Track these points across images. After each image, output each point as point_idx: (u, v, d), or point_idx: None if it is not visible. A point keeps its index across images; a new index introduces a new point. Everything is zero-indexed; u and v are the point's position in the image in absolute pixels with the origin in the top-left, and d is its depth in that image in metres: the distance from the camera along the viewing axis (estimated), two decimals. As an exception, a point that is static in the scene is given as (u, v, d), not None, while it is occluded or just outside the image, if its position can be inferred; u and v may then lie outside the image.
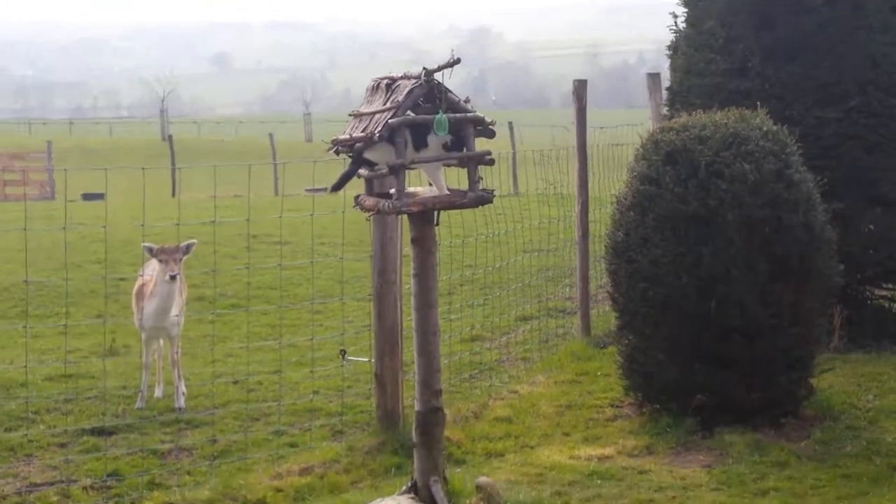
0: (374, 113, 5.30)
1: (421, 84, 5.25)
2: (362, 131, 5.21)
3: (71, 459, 7.13)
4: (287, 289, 13.27)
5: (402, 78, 5.41)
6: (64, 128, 79.23)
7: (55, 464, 7.10)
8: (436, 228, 5.51)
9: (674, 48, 10.05)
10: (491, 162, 5.37)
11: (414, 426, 5.46)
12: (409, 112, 5.18)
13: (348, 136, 5.36)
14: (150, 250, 8.20)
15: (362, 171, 5.48)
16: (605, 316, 10.68)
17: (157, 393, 8.73)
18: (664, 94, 10.77)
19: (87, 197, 27.55)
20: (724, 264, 6.83)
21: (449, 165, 5.49)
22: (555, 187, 11.54)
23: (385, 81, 5.49)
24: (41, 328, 11.38)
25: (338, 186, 5.44)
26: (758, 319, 6.88)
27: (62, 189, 32.20)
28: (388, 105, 5.23)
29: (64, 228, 7.83)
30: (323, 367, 9.02)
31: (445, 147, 5.29)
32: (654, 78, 12.06)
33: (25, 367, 8.13)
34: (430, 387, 5.36)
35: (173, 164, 32.93)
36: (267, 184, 31.79)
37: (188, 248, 8.27)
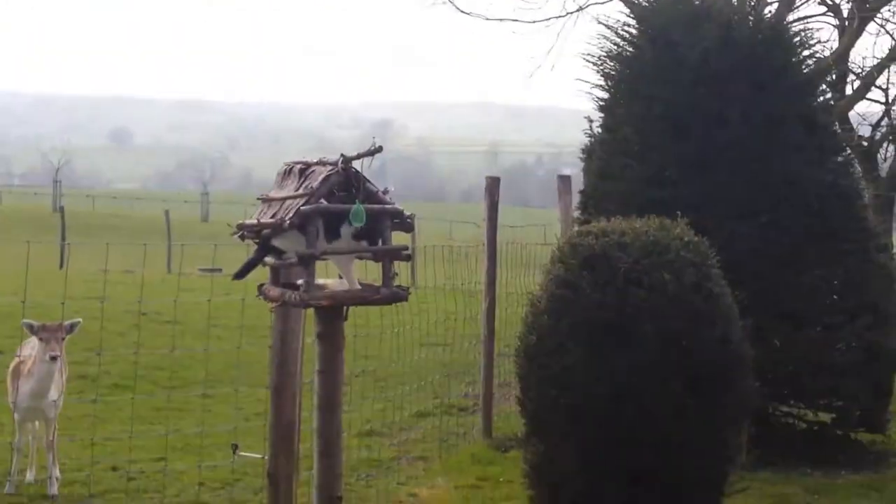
0: (285, 198, 5.02)
1: (338, 171, 4.98)
2: (271, 217, 4.93)
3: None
4: (177, 371, 12.81)
5: (317, 164, 5.14)
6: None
7: None
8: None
9: (588, 152, 10.01)
10: (408, 258, 5.11)
11: (312, 540, 5.11)
12: (322, 200, 4.92)
13: (255, 222, 5.07)
14: (31, 327, 7.78)
15: (268, 260, 5.19)
16: (506, 416, 10.46)
17: (29, 477, 8.27)
18: (574, 196, 10.71)
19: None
20: (638, 375, 6.63)
21: (362, 258, 5.23)
22: (462, 283, 11.34)
23: (299, 166, 5.22)
24: None
25: (241, 274, 5.13)
26: (671, 435, 6.66)
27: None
28: (300, 191, 4.95)
29: None
30: (211, 458, 8.61)
31: (358, 239, 5.03)
32: (564, 180, 11.98)
33: None
34: (331, 493, 5.02)
35: (63, 237, 32.17)
36: (160, 261, 31.13)
37: (72, 328, 7.87)
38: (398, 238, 5.11)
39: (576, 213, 10.78)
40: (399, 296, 5.04)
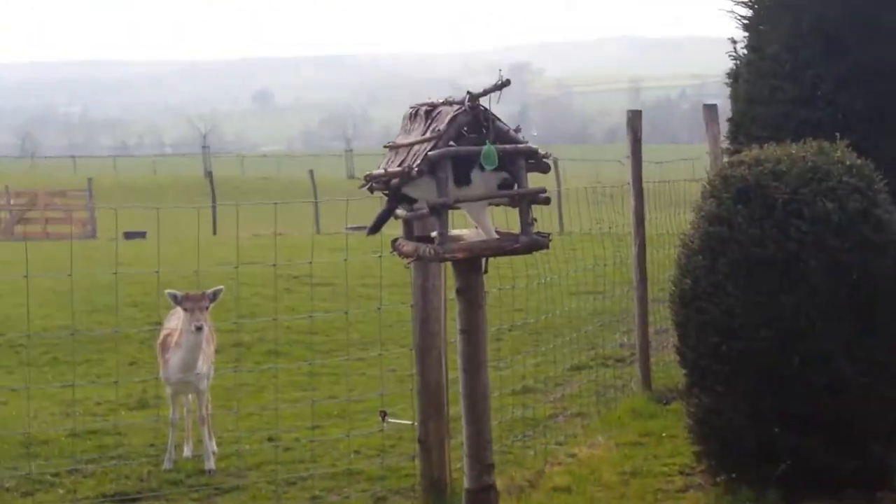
0: (412, 144, 4.65)
1: (465, 110, 4.58)
2: (399, 165, 4.57)
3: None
4: (329, 333, 12.66)
5: (443, 104, 4.75)
6: (108, 164, 79.55)
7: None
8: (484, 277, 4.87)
9: (733, 76, 9.35)
10: (547, 201, 4.69)
11: (463, 506, 4.80)
12: (451, 142, 4.55)
13: (383, 171, 4.73)
14: (175, 298, 7.61)
15: (400, 212, 4.86)
16: (666, 366, 9.98)
17: (186, 452, 8.15)
18: (722, 126, 10.12)
19: (129, 235, 27.24)
20: (807, 316, 6.11)
21: (497, 205, 4.85)
22: (601, 227, 10.87)
23: (424, 108, 4.83)
24: (71, 377, 10.86)
25: (374, 228, 4.78)
26: (847, 378, 6.12)
27: (104, 228, 31.99)
28: (427, 135, 4.58)
29: (115, 273, 7.25)
30: (365, 424, 8.40)
31: (493, 183, 4.66)
32: (710, 109, 11.35)
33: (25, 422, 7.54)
34: (481, 461, 4.68)
35: (214, 202, 32.59)
36: (308, 221, 31.30)
37: (215, 296, 7.68)
38: (536, 180, 4.72)
39: (724, 144, 10.20)
40: (539, 243, 4.64)
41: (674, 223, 11.05)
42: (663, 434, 7.96)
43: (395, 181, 4.62)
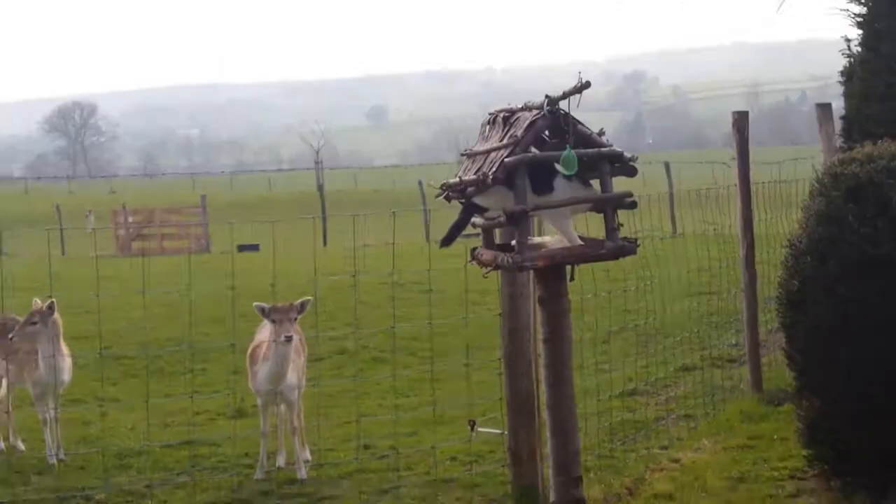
0: (489, 151, 4.50)
1: (544, 115, 4.42)
2: (475, 173, 4.42)
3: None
4: (435, 339, 12.54)
5: (521, 109, 4.60)
6: (224, 181, 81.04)
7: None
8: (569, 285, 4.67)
9: (847, 74, 9.07)
10: (632, 205, 4.50)
11: (551, 521, 4.61)
12: (530, 148, 4.37)
13: (458, 180, 4.58)
14: (263, 310, 7.60)
15: (478, 220, 4.70)
16: (777, 367, 9.65)
17: (279, 461, 8.11)
18: (836, 125, 9.78)
19: (242, 248, 27.65)
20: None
21: (581, 212, 4.67)
22: (715, 228, 10.55)
23: (503, 114, 4.69)
24: (175, 388, 10.93)
25: (448, 240, 4.63)
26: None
27: (219, 242, 32.46)
28: (505, 141, 4.42)
29: (232, 288, 7.24)
30: (462, 429, 8.25)
31: (577, 190, 4.48)
32: (824, 108, 10.93)
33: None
34: (568, 472, 4.49)
35: (324, 213, 32.86)
36: (419, 230, 31.32)
37: (303, 307, 7.64)
38: (622, 185, 4.53)
39: (839, 142, 9.85)
40: (625, 249, 4.44)
41: (786, 223, 10.71)
42: (774, 437, 7.68)
43: (470, 189, 4.47)
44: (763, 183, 10.73)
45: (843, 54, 9.04)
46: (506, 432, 6.08)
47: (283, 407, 8.08)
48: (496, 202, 4.46)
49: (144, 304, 13.96)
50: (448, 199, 4.70)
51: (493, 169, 4.31)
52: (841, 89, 9.63)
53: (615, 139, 4.68)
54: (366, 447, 8.39)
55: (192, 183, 78.56)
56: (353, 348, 12.50)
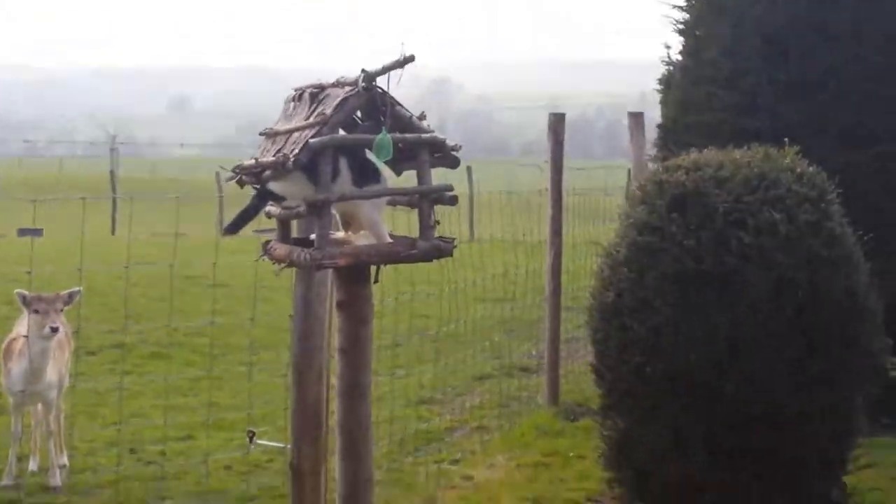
0: (291, 131, 3.89)
1: (358, 92, 3.85)
2: (274, 155, 3.80)
3: None
4: (218, 338, 11.76)
5: (333, 85, 4.01)
6: (14, 163, 77.62)
7: None
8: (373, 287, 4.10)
9: (665, 82, 8.78)
10: (453, 200, 3.97)
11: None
12: (339, 129, 3.79)
13: (254, 162, 3.95)
14: (24, 298, 6.72)
15: (273, 209, 4.08)
16: (575, 378, 9.36)
17: (32, 466, 7.27)
18: (645, 137, 9.53)
19: (23, 232, 26.11)
20: (745, 337, 5.42)
21: (394, 205, 4.10)
22: (524, 234, 10.18)
23: (310, 90, 4.08)
24: None
25: (233, 227, 4.00)
26: (786, 406, 5.46)
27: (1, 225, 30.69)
28: (311, 120, 3.82)
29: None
30: (242, 435, 7.58)
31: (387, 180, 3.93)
32: (636, 117, 10.65)
33: None
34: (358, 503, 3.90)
35: (115, 199, 31.47)
36: (211, 222, 30.27)
37: (71, 298, 6.81)
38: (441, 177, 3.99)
39: (651, 153, 9.59)
40: (441, 250, 3.90)
41: (588, 233, 10.47)
42: (570, 454, 7.33)
43: (267, 173, 3.85)
44: (569, 194, 10.40)
45: (662, 62, 8.75)
46: (288, 445, 5.42)
47: (39, 406, 7.22)
48: (296, 190, 3.86)
49: None
50: (241, 183, 4.07)
51: (295, 151, 3.70)
52: (641, 106, 9.42)
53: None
54: (132, 451, 7.65)
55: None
56: (132, 342, 11.63)
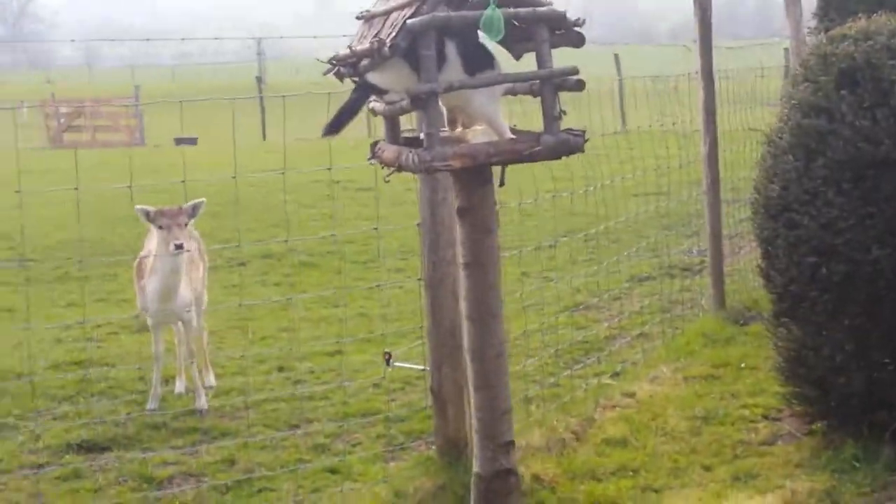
0: (389, 12, 3.39)
1: (463, -37, 3.34)
2: (371, 41, 3.31)
3: (38, 493, 5.39)
4: (367, 242, 11.46)
5: (438, -45, 3.49)
6: (166, 73, 79.07)
7: (17, 500, 5.38)
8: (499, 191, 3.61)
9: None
10: (580, 85, 3.43)
11: (472, 496, 3.58)
12: (441, 6, 3.27)
13: (349, 51, 3.47)
14: (147, 214, 6.39)
15: (377, 105, 3.62)
16: (741, 276, 8.69)
17: (178, 387, 7.03)
18: (803, 9, 8.74)
19: (179, 142, 26.49)
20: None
21: (513, 93, 3.59)
22: (672, 123, 9.52)
23: (410, -38, 3.58)
24: (74, 295, 9.82)
25: (332, 127, 3.55)
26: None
27: (156, 135, 31.03)
28: (409, -1, 3.32)
29: (129, 186, 5.91)
30: (392, 348, 7.23)
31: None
32: (791, -10, 9.81)
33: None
34: (494, 438, 3.45)
35: (262, 107, 31.53)
36: (360, 125, 30.09)
37: (195, 210, 6.44)
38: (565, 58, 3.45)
39: (809, 25, 8.78)
40: (570, 144, 3.37)
41: (746, 119, 9.69)
42: (742, 365, 6.64)
43: (364, 63, 3.36)
44: (725, 71, 9.63)
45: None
46: (428, 368, 5.02)
47: (180, 325, 6.97)
48: (397, 81, 3.38)
49: (52, 204, 12.87)
50: (340, 76, 3.60)
51: (392, 34, 3.21)
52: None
53: None
54: (280, 369, 7.38)
55: (132, 73, 76.28)
56: (280, 251, 11.44)
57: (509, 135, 3.47)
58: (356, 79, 3.49)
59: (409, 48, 3.23)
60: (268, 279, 10.62)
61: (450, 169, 3.31)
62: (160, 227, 6.35)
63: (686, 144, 8.97)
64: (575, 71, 3.37)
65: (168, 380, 7.10)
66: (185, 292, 6.56)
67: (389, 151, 3.55)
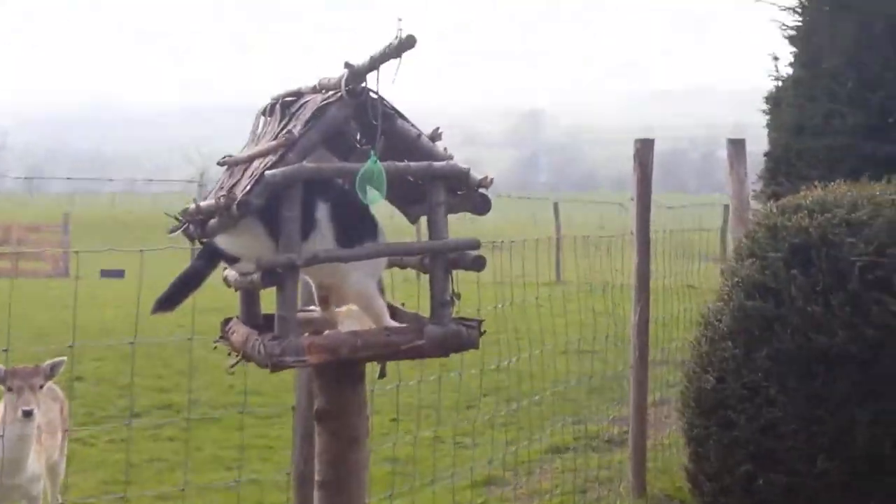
0: (253, 158, 2.64)
1: (341, 98, 2.63)
2: (218, 196, 2.57)
3: None
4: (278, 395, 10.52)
5: (313, 90, 2.81)
6: (107, 200, 78.73)
7: None
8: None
9: (773, 101, 7.38)
10: (478, 264, 2.68)
11: None
12: (317, 153, 2.63)
13: (195, 207, 2.71)
14: None
15: (229, 274, 2.85)
16: (664, 453, 7.88)
17: None
18: (747, 168, 8.10)
19: (106, 274, 25.66)
20: (892, 441, 4.00)
21: (402, 267, 2.84)
22: (602, 288, 8.80)
23: (283, 99, 2.86)
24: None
25: (166, 303, 2.77)
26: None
27: (84, 264, 30.12)
28: (277, 140, 2.59)
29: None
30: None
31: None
32: (736, 145, 9.14)
33: None
34: None
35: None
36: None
37: (52, 370, 5.52)
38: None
39: (755, 188, 8.15)
40: (461, 338, 2.62)
41: (681, 276, 9.03)
42: None
43: (213, 223, 2.59)
44: (661, 231, 8.96)
45: (770, 77, 7.34)
46: None
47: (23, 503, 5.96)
48: (250, 247, 2.63)
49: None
50: (191, 237, 2.82)
51: (247, 188, 2.44)
52: (742, 132, 8.06)
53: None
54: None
55: (73, 200, 75.77)
56: (180, 402, 10.50)
57: (388, 321, 2.69)
58: (204, 240, 2.72)
59: (268, 207, 2.48)
60: (160, 433, 9.62)
61: (304, 366, 2.53)
62: (9, 389, 5.42)
63: (622, 300, 8.26)
64: (475, 245, 2.63)
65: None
66: (33, 464, 5.59)
67: (239, 334, 2.77)
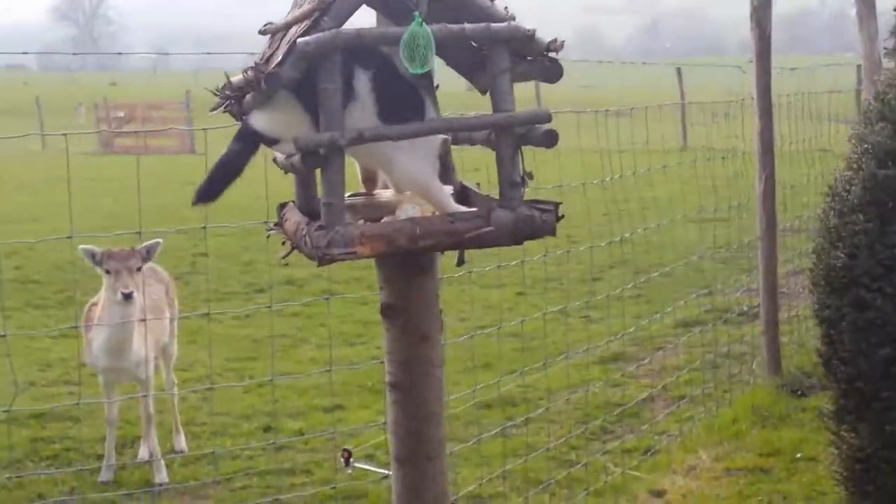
0: (289, 25, 2.39)
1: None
2: (246, 69, 2.33)
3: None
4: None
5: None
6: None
7: None
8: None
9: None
10: (549, 139, 2.39)
11: None
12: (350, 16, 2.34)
13: (227, 83, 2.51)
14: (93, 256, 5.41)
15: (278, 156, 2.64)
16: (799, 331, 7.57)
17: (142, 454, 6.02)
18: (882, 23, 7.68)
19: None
20: None
21: (471, 143, 2.60)
22: (737, 140, 8.41)
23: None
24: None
25: (206, 195, 2.52)
26: None
27: (205, 143, 30.43)
28: (308, 6, 2.30)
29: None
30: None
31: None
32: (866, 1, 8.64)
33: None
34: None
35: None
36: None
37: (149, 253, 5.46)
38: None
39: (886, 45, 7.67)
40: (534, 224, 2.37)
41: (813, 139, 8.62)
42: (797, 454, 5.47)
43: (248, 99, 2.38)
44: (787, 95, 8.50)
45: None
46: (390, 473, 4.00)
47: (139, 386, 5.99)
48: (285, 125, 2.39)
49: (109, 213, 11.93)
50: (235, 116, 2.61)
51: (279, 59, 2.24)
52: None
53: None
54: (266, 430, 6.41)
55: (195, 76, 76.27)
56: (302, 277, 10.56)
57: (452, 206, 2.45)
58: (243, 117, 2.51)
59: (303, 80, 2.25)
60: (284, 309, 9.60)
61: (356, 257, 2.31)
62: (107, 272, 5.38)
63: (744, 168, 7.90)
64: (546, 118, 2.35)
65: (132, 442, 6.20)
66: (139, 347, 5.57)
67: (291, 222, 2.57)
